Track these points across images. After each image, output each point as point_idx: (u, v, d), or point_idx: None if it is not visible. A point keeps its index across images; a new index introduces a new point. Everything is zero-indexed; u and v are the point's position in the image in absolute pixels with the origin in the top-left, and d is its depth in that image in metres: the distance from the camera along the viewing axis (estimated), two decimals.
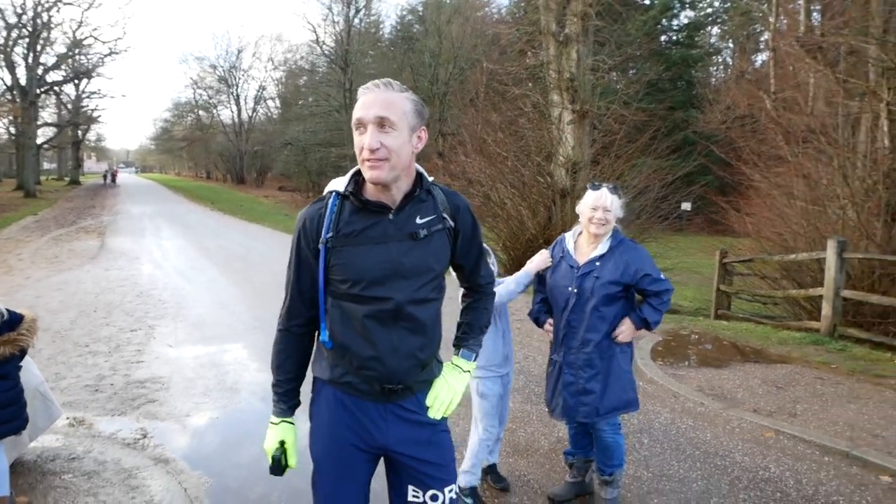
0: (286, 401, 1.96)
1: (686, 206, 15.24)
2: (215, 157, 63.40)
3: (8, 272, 10.82)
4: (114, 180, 56.26)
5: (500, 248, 12.57)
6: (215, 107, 62.22)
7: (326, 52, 38.77)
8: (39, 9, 35.86)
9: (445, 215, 1.87)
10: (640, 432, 4.51)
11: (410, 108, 1.75)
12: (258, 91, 58.07)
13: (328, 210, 1.83)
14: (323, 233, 1.81)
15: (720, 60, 37.85)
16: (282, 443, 1.92)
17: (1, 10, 34.50)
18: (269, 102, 58.92)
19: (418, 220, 1.81)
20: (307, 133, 37.85)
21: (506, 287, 3.27)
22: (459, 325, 2.10)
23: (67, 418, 4.56)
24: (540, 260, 3.33)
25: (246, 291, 9.53)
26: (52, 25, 37.66)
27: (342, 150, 32.76)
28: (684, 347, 7.20)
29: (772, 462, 4.07)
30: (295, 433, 1.96)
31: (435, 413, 1.90)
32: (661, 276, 3.09)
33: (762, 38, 28.37)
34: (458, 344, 2.07)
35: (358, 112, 1.72)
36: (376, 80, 1.77)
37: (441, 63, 31.92)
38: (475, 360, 2.06)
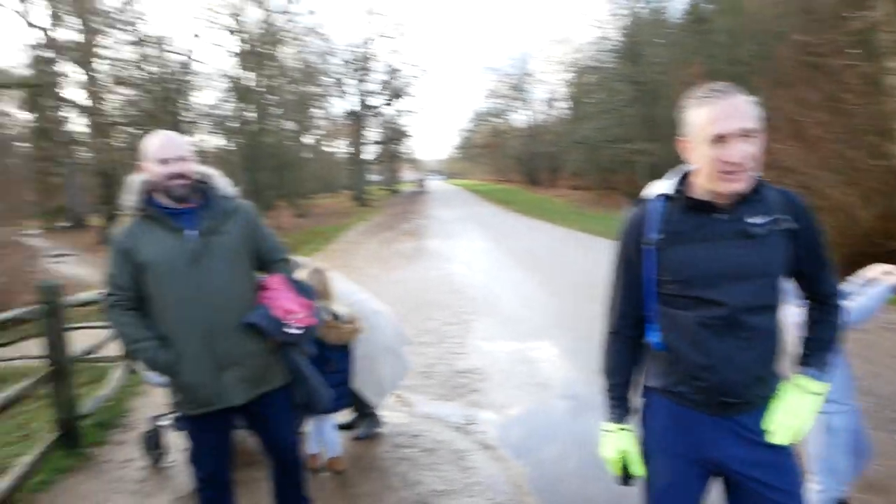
0: (621, 406, 1.95)
1: None
2: (511, 160, 66.68)
3: (354, 271, 12.80)
4: (424, 187, 62.88)
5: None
6: (510, 113, 65.57)
7: (613, 46, 38.27)
8: (365, 44, 41.73)
9: (783, 215, 1.74)
10: None
11: (756, 109, 1.68)
12: (549, 94, 59.69)
13: (653, 211, 1.83)
14: (648, 233, 1.81)
15: None
16: (622, 451, 1.91)
17: (338, 49, 40.92)
18: (560, 103, 60.16)
19: (753, 220, 1.72)
20: (597, 130, 37.78)
21: (859, 303, 2.73)
22: (802, 341, 1.91)
23: (408, 399, 5.28)
24: None
25: (548, 290, 9.92)
26: (375, 57, 43.52)
27: (633, 146, 32.06)
28: None
29: None
30: (634, 441, 1.93)
31: (776, 439, 1.76)
32: None
33: None
34: (802, 362, 1.87)
35: (716, 126, 1.64)
36: (714, 86, 1.70)
37: (738, 42, 29.30)
38: (823, 381, 1.83)
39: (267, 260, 2.81)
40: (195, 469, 2.79)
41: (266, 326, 2.61)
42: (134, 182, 2.64)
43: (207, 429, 2.71)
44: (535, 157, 59.12)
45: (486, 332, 7.49)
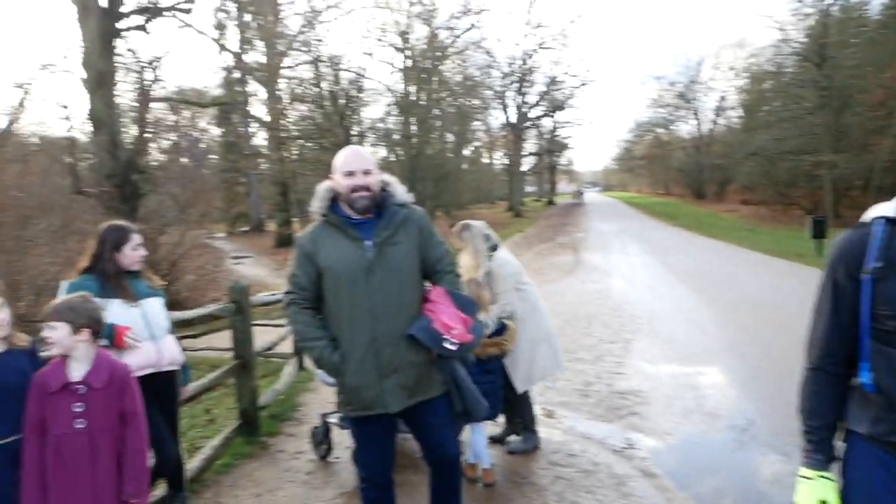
0: (822, 452, 1.74)
1: None
2: (674, 172, 63.77)
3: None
4: (581, 199, 61.79)
5: None
6: (674, 123, 62.71)
7: (795, 49, 35.33)
8: (525, 56, 41.93)
9: None
10: None
11: None
12: (718, 102, 56.28)
13: (873, 237, 1.61)
14: (868, 262, 1.60)
15: None
16: (821, 502, 1.71)
17: (498, 62, 41.49)
18: (731, 112, 56.57)
19: None
20: (774, 141, 35.02)
21: None
22: None
23: (565, 416, 5.16)
24: None
25: (715, 311, 9.29)
26: (535, 69, 43.59)
27: (817, 158, 29.31)
28: None
29: None
30: (837, 492, 1.72)
31: None
32: None
33: None
34: None
35: None
36: None
37: None
38: None
39: (432, 269, 2.87)
40: (359, 468, 2.91)
41: (425, 339, 2.66)
42: (322, 190, 2.81)
43: (370, 430, 2.80)
44: (701, 169, 56.05)
45: (648, 352, 7.15)
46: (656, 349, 7.27)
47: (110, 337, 2.99)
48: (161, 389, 3.28)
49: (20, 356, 2.40)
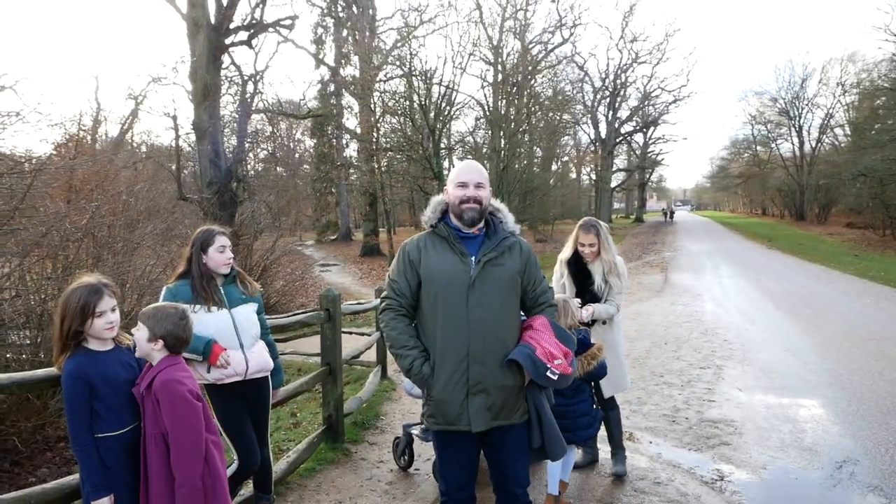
0: None
1: None
2: (772, 192, 60.78)
3: None
4: (671, 217, 59.91)
5: None
6: (774, 140, 59.84)
7: None
8: (619, 71, 41.20)
9: None
10: None
11: None
12: (824, 119, 53.22)
13: None
14: None
15: None
16: None
17: (590, 76, 40.96)
18: (837, 130, 53.43)
19: None
20: (886, 161, 32.81)
21: None
22: None
23: (651, 442, 5.00)
24: None
25: (816, 340, 8.75)
26: (628, 84, 42.74)
27: None
28: None
29: None
30: None
31: None
32: None
33: None
34: None
35: None
36: None
37: None
38: None
39: (533, 301, 2.88)
40: (441, 482, 2.91)
41: (528, 366, 2.66)
42: (435, 201, 2.88)
43: (453, 445, 2.80)
44: (802, 189, 53.21)
45: (740, 380, 6.82)
46: (750, 377, 6.92)
47: (206, 353, 3.09)
48: (250, 395, 3.37)
49: (127, 352, 2.53)
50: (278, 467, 4.02)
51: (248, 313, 3.38)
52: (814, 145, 54.64)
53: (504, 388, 2.70)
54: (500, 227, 2.84)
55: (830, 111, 52.33)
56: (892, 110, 36.53)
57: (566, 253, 4.34)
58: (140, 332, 2.47)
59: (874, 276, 16.58)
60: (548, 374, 2.67)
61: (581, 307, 4.00)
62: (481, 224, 2.81)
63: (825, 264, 20.25)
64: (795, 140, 55.90)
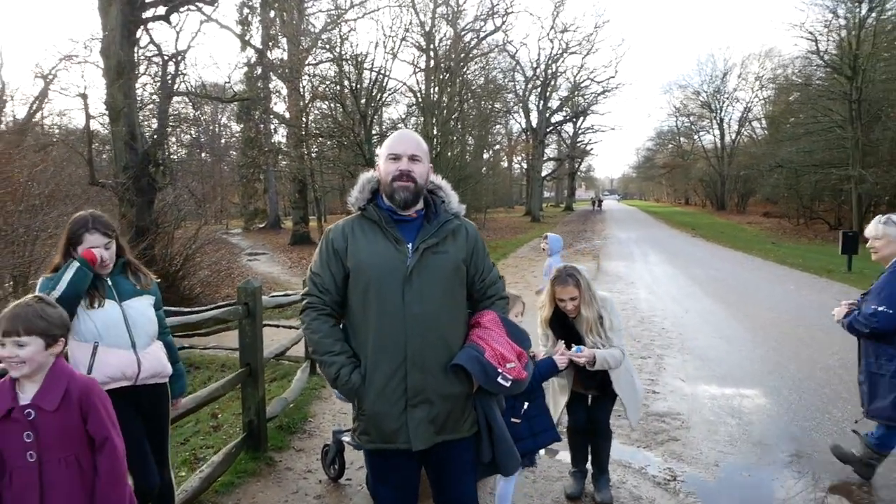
0: None
1: None
2: (695, 182, 62.97)
3: (528, 287, 12.40)
4: (600, 206, 61.20)
5: None
6: (697, 133, 61.90)
7: (827, 61, 34.58)
8: (549, 61, 41.46)
9: None
10: None
11: None
12: (743, 113, 55.33)
13: None
14: None
15: None
16: None
17: (521, 65, 41.07)
18: (755, 124, 55.69)
19: None
20: (801, 154, 34.32)
21: None
22: None
23: None
24: None
25: (747, 327, 8.80)
26: (559, 74, 43.12)
27: (844, 172, 28.57)
28: None
29: None
30: None
31: None
32: None
33: None
34: None
35: None
36: None
37: None
38: None
39: (481, 294, 2.46)
40: (375, 501, 2.49)
41: (476, 372, 2.24)
42: (363, 179, 2.42)
43: (390, 465, 2.36)
44: (722, 179, 55.27)
45: (682, 370, 6.68)
46: (691, 367, 6.80)
47: (85, 267, 2.61)
48: (144, 404, 2.84)
49: None
50: (189, 484, 3.51)
51: (142, 308, 2.84)
52: (734, 137, 56.87)
53: (449, 398, 2.28)
54: (441, 209, 2.39)
55: (749, 105, 54.53)
56: (805, 105, 38.10)
57: (546, 312, 3.64)
58: (30, 346, 1.92)
59: (793, 262, 17.17)
60: (499, 380, 2.25)
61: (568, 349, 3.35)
62: (419, 205, 2.37)
63: (747, 251, 20.91)
64: (717, 132, 58.07)
